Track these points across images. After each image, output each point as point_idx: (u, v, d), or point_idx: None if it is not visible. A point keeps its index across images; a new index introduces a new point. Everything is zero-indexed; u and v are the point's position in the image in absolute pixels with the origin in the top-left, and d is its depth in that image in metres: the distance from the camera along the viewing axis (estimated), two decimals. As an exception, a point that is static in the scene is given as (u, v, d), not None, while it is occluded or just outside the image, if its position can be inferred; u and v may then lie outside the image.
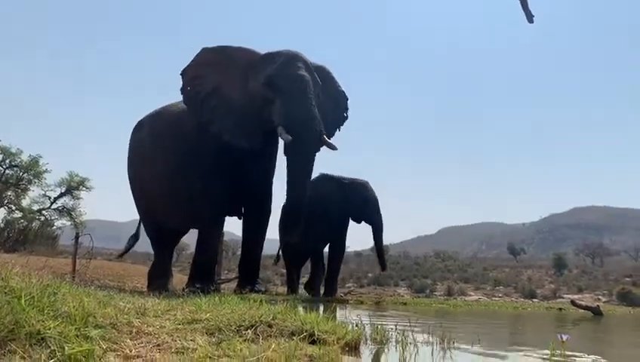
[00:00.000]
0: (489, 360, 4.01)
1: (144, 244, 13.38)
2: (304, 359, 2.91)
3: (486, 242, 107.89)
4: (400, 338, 4.50)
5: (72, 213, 25.12)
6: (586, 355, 4.26)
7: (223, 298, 5.15)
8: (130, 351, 3.10)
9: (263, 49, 9.83)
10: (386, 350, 4.18)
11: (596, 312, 10.11)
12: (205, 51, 9.96)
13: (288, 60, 9.23)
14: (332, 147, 9.14)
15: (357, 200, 12.36)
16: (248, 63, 9.59)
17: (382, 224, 12.72)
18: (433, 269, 29.24)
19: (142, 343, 3.29)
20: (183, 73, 9.87)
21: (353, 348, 3.79)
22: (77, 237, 12.39)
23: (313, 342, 3.54)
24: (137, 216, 12.19)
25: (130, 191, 11.96)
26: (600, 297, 19.78)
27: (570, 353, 4.17)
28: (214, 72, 9.61)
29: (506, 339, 6.16)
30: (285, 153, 8.85)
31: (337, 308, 8.79)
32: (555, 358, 4.05)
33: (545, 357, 4.14)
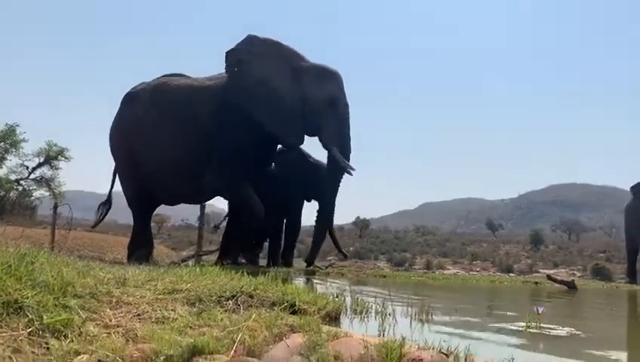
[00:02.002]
0: (466, 331, 4.09)
1: (126, 215, 13.25)
2: (285, 329, 2.93)
3: (465, 218, 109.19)
4: (379, 310, 4.56)
5: (51, 184, 24.70)
6: (561, 327, 4.36)
7: (204, 269, 5.14)
8: (110, 321, 3.09)
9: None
10: (365, 320, 4.24)
11: (571, 286, 10.34)
12: (255, 39, 10.43)
13: (342, 84, 10.62)
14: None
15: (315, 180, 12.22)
16: (297, 65, 10.41)
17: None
18: (413, 243, 29.58)
19: (122, 313, 3.28)
20: (229, 54, 10.28)
21: (334, 319, 3.83)
22: (55, 207, 12.26)
23: (294, 313, 3.57)
24: (118, 187, 12.08)
25: (114, 158, 11.79)
26: (575, 272, 20.24)
27: (545, 325, 4.27)
28: (262, 62, 10.11)
29: (483, 312, 6.28)
30: (329, 169, 10.63)
31: (318, 280, 8.87)
32: (531, 330, 4.14)
33: (521, 328, 4.23)
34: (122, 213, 12.41)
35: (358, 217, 37.17)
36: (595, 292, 11.11)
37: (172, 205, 12.31)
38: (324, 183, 11.68)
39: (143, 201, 11.69)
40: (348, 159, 10.51)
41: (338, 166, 10.41)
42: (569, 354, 3.34)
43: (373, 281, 9.98)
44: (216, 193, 11.29)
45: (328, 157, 10.54)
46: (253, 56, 10.18)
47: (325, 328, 2.97)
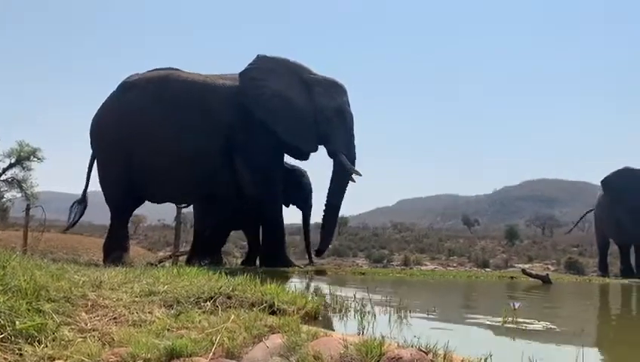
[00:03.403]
0: (444, 328, 4.12)
1: (101, 215, 12.96)
2: (264, 329, 2.91)
3: (442, 214, 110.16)
4: (359, 308, 4.57)
5: (23, 185, 24.15)
6: (537, 321, 4.43)
7: (182, 270, 5.09)
8: (86, 325, 3.03)
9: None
10: (345, 319, 4.24)
11: (545, 280, 10.50)
12: (264, 58, 11.26)
13: (348, 95, 11.50)
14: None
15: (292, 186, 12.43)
16: (307, 77, 11.24)
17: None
18: (391, 240, 29.77)
19: (98, 316, 3.22)
20: (244, 75, 11.00)
21: (313, 318, 3.83)
22: (28, 208, 12.00)
23: (273, 313, 3.55)
24: (94, 188, 11.80)
25: (99, 149, 11.37)
26: (549, 266, 20.60)
27: (521, 320, 4.33)
28: (274, 78, 10.91)
29: (461, 308, 6.34)
30: (335, 172, 11.23)
31: (297, 279, 8.86)
32: (508, 325, 4.20)
33: (498, 324, 4.28)
34: (98, 214, 12.11)
35: (336, 214, 37.13)
36: (569, 286, 11.33)
37: (160, 203, 12.15)
38: (303, 189, 12.46)
39: (126, 198, 11.46)
40: (354, 165, 11.34)
41: (346, 171, 11.15)
42: (545, 349, 3.40)
43: (353, 279, 10.01)
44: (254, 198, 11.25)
45: (335, 163, 11.21)
46: (266, 73, 10.95)
47: (305, 328, 2.96)
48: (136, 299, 3.67)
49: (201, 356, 2.54)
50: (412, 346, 2.42)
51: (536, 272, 11.97)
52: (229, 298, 3.77)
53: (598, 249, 18.80)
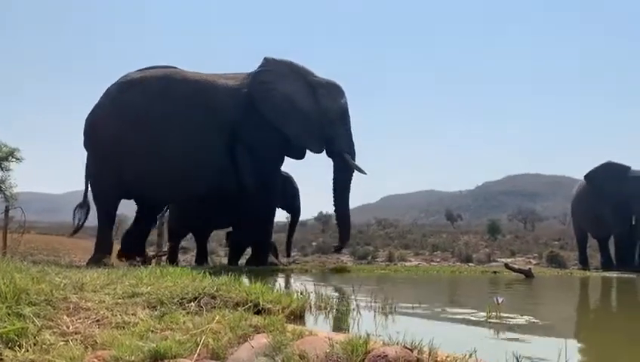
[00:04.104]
0: (429, 324, 4.15)
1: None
2: (249, 329, 2.90)
3: (425, 210, 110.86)
4: (344, 305, 4.58)
5: (2, 186, 23.75)
6: (520, 316, 4.48)
7: (165, 270, 5.05)
8: (68, 328, 2.99)
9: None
10: (330, 317, 4.25)
11: (528, 275, 10.63)
12: (273, 62, 11.48)
13: (346, 96, 11.82)
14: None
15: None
16: (311, 80, 11.55)
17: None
18: (375, 236, 29.85)
19: (80, 319, 3.18)
20: (254, 77, 11.19)
21: (298, 317, 3.82)
22: (7, 210, 11.80)
23: (258, 312, 3.54)
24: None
25: (95, 148, 11.14)
26: (531, 260, 20.80)
27: (505, 314, 4.38)
28: (281, 81, 11.16)
29: (445, 303, 6.39)
30: (338, 172, 11.65)
31: (282, 277, 8.85)
32: (492, 320, 4.24)
33: (482, 319, 4.32)
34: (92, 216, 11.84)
35: (320, 212, 37.20)
36: (551, 279, 11.48)
37: (158, 204, 12.18)
38: (294, 195, 13.11)
39: (119, 200, 11.37)
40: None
41: (349, 169, 11.64)
42: (529, 343, 3.43)
43: (337, 276, 10.03)
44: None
45: (338, 163, 11.61)
46: (276, 77, 11.20)
47: (290, 327, 2.96)
48: (119, 300, 3.63)
49: (185, 357, 2.52)
50: (397, 344, 2.43)
51: (519, 266, 12.09)
52: (214, 298, 3.74)
53: (577, 243, 19.10)
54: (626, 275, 13.30)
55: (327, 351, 2.40)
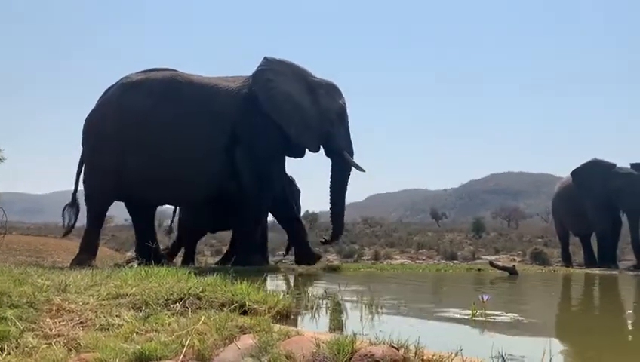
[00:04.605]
0: (415, 322, 4.17)
1: (82, 217, 12.48)
2: (235, 330, 2.88)
3: (410, 208, 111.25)
4: (331, 305, 4.59)
5: (-18, 186, 23.42)
6: (505, 313, 4.52)
7: (150, 271, 5.01)
8: (51, 330, 2.96)
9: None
10: (317, 316, 4.24)
11: (512, 272, 10.71)
12: (274, 61, 11.57)
13: (343, 97, 12.05)
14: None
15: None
16: (311, 80, 11.71)
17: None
18: (361, 235, 29.88)
19: (63, 321, 3.15)
20: (257, 77, 11.28)
21: (285, 317, 3.81)
22: (-12, 210, 11.62)
23: (244, 313, 3.52)
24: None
25: (93, 149, 11.03)
26: (515, 257, 20.99)
27: (490, 312, 4.41)
28: (284, 80, 11.29)
29: (431, 301, 6.42)
30: (336, 170, 11.73)
31: (269, 277, 8.82)
32: (477, 318, 4.27)
33: (467, 317, 4.35)
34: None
35: (307, 211, 37.14)
36: (535, 277, 11.59)
37: (155, 206, 12.27)
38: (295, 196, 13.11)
39: (113, 199, 11.28)
40: None
41: (348, 168, 11.81)
42: (514, 341, 3.46)
43: (324, 275, 10.03)
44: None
45: (337, 162, 11.73)
46: (278, 76, 11.32)
47: (276, 327, 2.95)
48: (103, 302, 3.59)
49: (171, 359, 2.51)
50: (384, 343, 2.44)
51: (503, 264, 12.20)
52: (199, 299, 3.72)
53: (559, 240, 19.31)
54: (608, 272, 13.49)
55: (314, 351, 2.39)
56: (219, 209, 11.99)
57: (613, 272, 13.51)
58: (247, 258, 11.24)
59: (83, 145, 11.38)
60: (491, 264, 12.01)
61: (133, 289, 3.89)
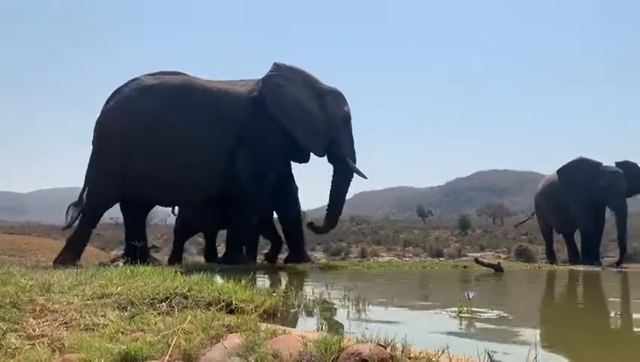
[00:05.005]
0: (402, 320, 4.18)
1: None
2: (222, 329, 2.87)
3: (397, 206, 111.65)
4: (318, 303, 4.58)
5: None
6: (491, 310, 4.55)
7: (136, 270, 4.97)
8: (34, 331, 2.92)
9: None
10: (304, 315, 4.24)
11: (497, 269, 10.78)
12: (284, 67, 11.83)
13: (348, 103, 12.39)
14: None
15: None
16: (318, 87, 11.98)
17: None
18: (348, 233, 29.93)
19: (47, 321, 3.11)
20: (267, 82, 11.50)
21: (272, 315, 3.80)
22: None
23: (231, 312, 3.51)
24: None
25: (103, 150, 11.06)
26: (500, 254, 21.13)
27: (476, 309, 4.44)
28: (293, 86, 11.57)
29: (417, 299, 6.45)
30: (339, 175, 11.98)
31: (256, 276, 8.79)
32: (463, 315, 4.29)
33: (453, 314, 4.37)
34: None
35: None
36: (520, 273, 11.69)
37: (161, 206, 12.71)
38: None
39: (114, 201, 11.36)
40: None
41: (350, 174, 12.08)
42: (500, 338, 3.49)
43: (311, 273, 10.03)
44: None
45: (340, 168, 11.96)
46: (288, 81, 11.60)
47: (263, 326, 2.94)
48: (88, 301, 3.56)
49: (156, 359, 2.49)
50: (371, 341, 2.44)
51: (488, 261, 12.26)
52: (186, 298, 3.70)
53: (543, 237, 19.49)
54: (592, 269, 13.65)
55: (301, 349, 2.39)
56: (221, 209, 12.10)
57: (597, 269, 13.67)
58: (235, 257, 11.32)
59: (94, 144, 11.44)
60: (477, 261, 12.09)
61: (119, 288, 3.86)
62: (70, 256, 10.25)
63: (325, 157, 12.04)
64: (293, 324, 3.70)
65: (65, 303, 3.44)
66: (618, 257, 16.04)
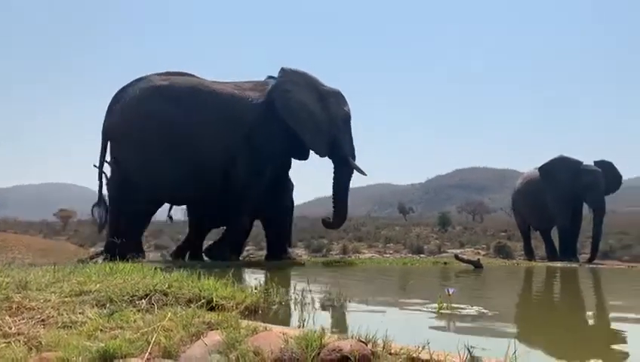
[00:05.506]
0: (383, 316, 4.20)
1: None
2: (202, 326, 2.85)
3: (378, 202, 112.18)
4: (299, 300, 4.58)
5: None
6: (470, 306, 4.59)
7: (115, 267, 4.91)
8: (10, 329, 2.87)
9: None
10: (285, 311, 4.23)
11: (477, 265, 10.90)
12: (290, 72, 12.44)
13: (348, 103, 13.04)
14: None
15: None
16: (321, 90, 12.58)
17: None
18: (329, 230, 29.97)
19: (23, 319, 3.06)
20: (277, 88, 12.03)
21: (253, 312, 3.79)
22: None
23: (212, 309, 3.49)
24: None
25: (133, 150, 11.25)
26: (480, 251, 21.30)
27: (456, 305, 4.48)
28: (299, 90, 12.17)
29: (398, 295, 6.48)
30: (340, 174, 12.64)
31: (237, 272, 8.75)
32: (443, 311, 4.33)
33: (434, 310, 4.41)
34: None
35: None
36: (499, 270, 11.83)
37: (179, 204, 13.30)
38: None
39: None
40: None
41: (351, 171, 12.73)
42: (479, 333, 3.52)
43: (293, 269, 10.02)
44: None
45: (342, 165, 12.58)
46: (296, 86, 12.19)
47: (244, 323, 2.92)
48: (65, 299, 3.50)
49: (136, 357, 2.46)
50: (352, 337, 2.44)
51: (468, 257, 12.38)
52: (166, 295, 3.66)
53: (521, 234, 19.74)
54: (569, 265, 13.86)
55: (282, 346, 2.38)
56: (223, 206, 12.36)
57: (574, 265, 13.89)
58: (224, 253, 11.77)
59: (111, 147, 11.63)
60: (457, 257, 12.20)
61: (98, 285, 3.81)
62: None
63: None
64: (275, 321, 3.69)
65: (42, 301, 3.39)
66: (590, 254, 16.35)
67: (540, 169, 17.53)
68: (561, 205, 16.59)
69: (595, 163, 16.94)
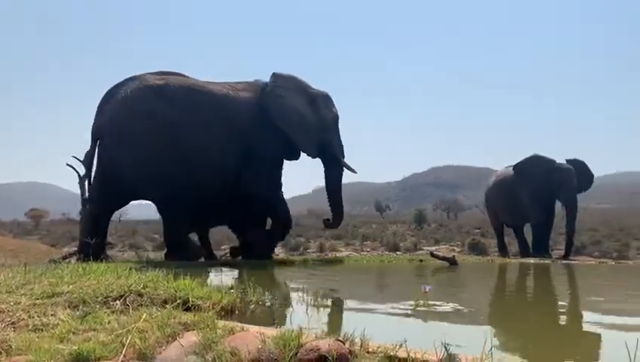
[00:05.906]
0: (360, 314, 4.21)
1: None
2: (178, 327, 2.81)
3: (356, 200, 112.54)
4: (276, 299, 4.56)
5: None
6: (446, 303, 4.63)
7: (88, 268, 4.82)
8: (-21, 333, 2.79)
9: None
10: (262, 311, 4.21)
11: (452, 262, 11.01)
12: (282, 77, 12.76)
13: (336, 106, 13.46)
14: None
15: None
16: (310, 92, 12.94)
17: None
18: (307, 228, 29.94)
19: (-8, 323, 2.98)
20: (269, 93, 12.31)
21: (230, 312, 3.76)
22: None
23: (188, 309, 3.45)
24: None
25: (128, 149, 11.04)
26: (455, 248, 21.58)
27: (432, 302, 4.51)
28: (290, 95, 12.48)
29: (375, 293, 6.51)
30: (332, 173, 13.08)
31: (213, 272, 8.69)
32: (420, 308, 4.36)
33: (410, 307, 4.43)
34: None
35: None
36: (474, 266, 11.98)
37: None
38: None
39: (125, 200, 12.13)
40: None
41: (342, 170, 13.17)
42: (455, 330, 3.56)
43: (270, 269, 9.98)
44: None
45: (332, 165, 13.01)
46: (286, 91, 12.49)
47: (221, 323, 2.90)
48: (37, 301, 3.42)
49: (110, 359, 2.42)
50: (329, 336, 2.44)
51: (443, 254, 12.49)
52: (140, 295, 3.61)
53: (494, 231, 20.03)
54: (542, 261, 14.10)
55: (259, 346, 2.37)
56: (222, 206, 12.60)
57: (547, 261, 14.13)
58: (269, 251, 12.64)
59: (104, 141, 11.43)
60: (432, 254, 12.30)
61: (70, 286, 3.74)
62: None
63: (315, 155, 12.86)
64: (252, 321, 3.67)
65: (12, 303, 3.31)
66: (565, 250, 16.65)
67: (515, 167, 17.81)
68: (534, 202, 16.89)
69: (568, 161, 17.33)
